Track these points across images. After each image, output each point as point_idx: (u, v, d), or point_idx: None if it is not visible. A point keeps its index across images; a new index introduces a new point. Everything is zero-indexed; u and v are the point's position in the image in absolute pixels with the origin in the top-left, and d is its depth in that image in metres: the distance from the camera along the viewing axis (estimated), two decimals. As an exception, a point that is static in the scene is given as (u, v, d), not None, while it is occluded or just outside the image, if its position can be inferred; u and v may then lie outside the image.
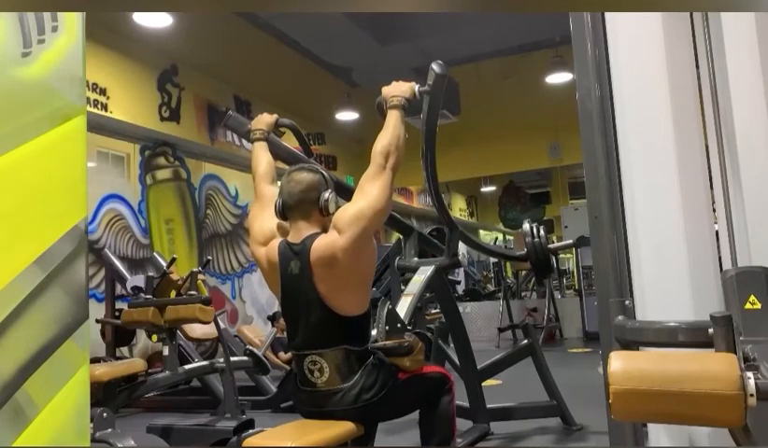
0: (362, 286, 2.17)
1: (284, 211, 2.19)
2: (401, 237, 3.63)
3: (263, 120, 2.58)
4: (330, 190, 2.18)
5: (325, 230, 2.14)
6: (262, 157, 2.50)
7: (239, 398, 4.20)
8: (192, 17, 6.60)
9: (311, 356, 2.11)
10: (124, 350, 6.21)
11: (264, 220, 2.29)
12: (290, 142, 2.80)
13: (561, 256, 12.84)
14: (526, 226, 3.95)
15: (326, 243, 2.08)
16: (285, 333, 6.71)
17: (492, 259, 14.12)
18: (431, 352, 4.13)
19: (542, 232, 3.93)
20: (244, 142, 8.48)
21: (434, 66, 2.32)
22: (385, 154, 2.13)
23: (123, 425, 3.73)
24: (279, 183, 2.30)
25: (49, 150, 1.83)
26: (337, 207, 2.16)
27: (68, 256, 1.82)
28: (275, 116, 2.61)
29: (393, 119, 2.19)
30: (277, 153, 2.62)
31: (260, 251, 2.26)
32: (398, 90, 2.25)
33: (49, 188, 1.83)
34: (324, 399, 2.10)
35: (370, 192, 2.10)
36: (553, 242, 4.63)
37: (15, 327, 1.68)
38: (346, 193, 2.48)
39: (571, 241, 4.38)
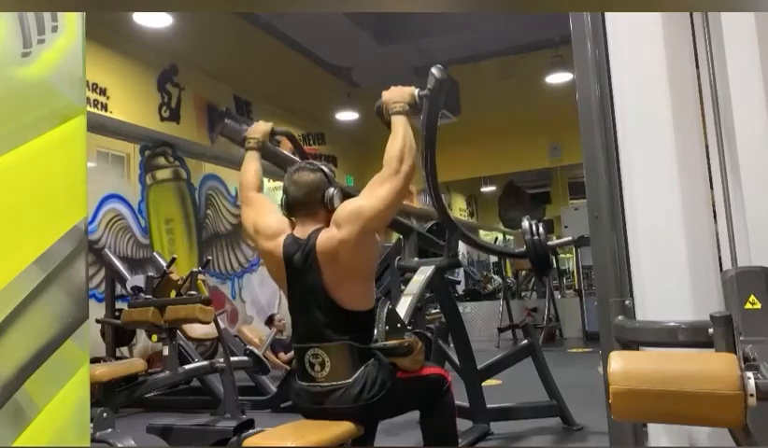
0: (364, 278, 2.19)
1: (289, 209, 2.23)
2: (401, 237, 3.63)
3: (259, 129, 2.59)
4: (333, 187, 2.20)
5: (329, 223, 2.16)
6: (251, 166, 2.51)
7: (239, 398, 4.20)
8: (192, 17, 6.59)
9: (313, 348, 2.11)
10: (124, 350, 6.21)
11: (268, 216, 2.31)
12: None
13: (562, 256, 12.84)
14: (525, 223, 3.98)
15: (328, 236, 2.11)
16: (284, 334, 6.70)
17: (493, 259, 14.13)
18: (431, 352, 4.14)
19: (541, 230, 3.98)
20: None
21: (434, 71, 2.30)
22: (399, 158, 2.10)
23: (123, 425, 3.72)
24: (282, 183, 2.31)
25: (49, 150, 1.83)
26: (341, 201, 2.18)
27: (68, 256, 1.82)
28: (270, 124, 2.61)
29: (402, 125, 2.17)
30: (274, 160, 2.65)
31: (268, 245, 2.26)
32: (399, 95, 2.23)
33: (49, 188, 1.83)
34: (324, 396, 2.10)
35: (377, 192, 2.10)
36: (552, 239, 4.71)
37: (15, 327, 1.68)
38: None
39: (570, 237, 4.40)
